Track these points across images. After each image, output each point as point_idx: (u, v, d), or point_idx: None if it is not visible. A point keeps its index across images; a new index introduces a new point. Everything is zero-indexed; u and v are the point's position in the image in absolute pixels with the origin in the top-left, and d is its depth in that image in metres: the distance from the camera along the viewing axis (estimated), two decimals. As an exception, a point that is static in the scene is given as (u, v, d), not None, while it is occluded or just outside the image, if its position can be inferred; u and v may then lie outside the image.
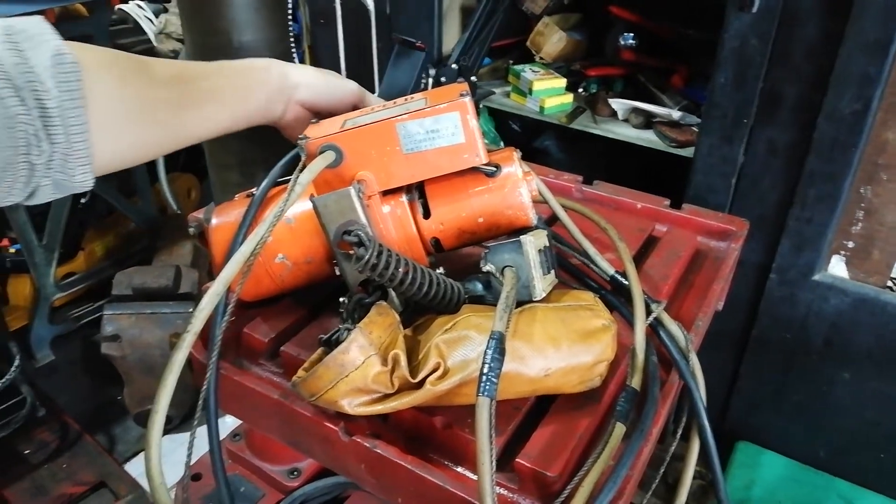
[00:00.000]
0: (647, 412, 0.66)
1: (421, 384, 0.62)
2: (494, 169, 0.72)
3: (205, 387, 0.65)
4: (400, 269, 0.65)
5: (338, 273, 0.71)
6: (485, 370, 0.58)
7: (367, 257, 0.63)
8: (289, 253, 0.74)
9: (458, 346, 0.63)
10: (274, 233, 0.67)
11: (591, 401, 0.69)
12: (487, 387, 0.58)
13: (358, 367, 0.61)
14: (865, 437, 1.56)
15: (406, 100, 0.75)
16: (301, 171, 0.67)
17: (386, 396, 0.63)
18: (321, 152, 0.68)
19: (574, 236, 0.84)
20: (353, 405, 0.62)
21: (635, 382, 0.68)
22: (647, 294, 0.78)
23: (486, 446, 0.55)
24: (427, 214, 0.73)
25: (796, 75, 1.35)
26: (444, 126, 0.68)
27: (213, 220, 0.77)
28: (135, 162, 0.69)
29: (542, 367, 0.64)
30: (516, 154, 0.74)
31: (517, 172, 0.73)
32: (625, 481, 0.60)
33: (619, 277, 0.79)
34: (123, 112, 0.64)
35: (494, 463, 0.56)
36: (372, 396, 0.62)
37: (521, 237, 0.68)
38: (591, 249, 0.83)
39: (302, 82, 0.83)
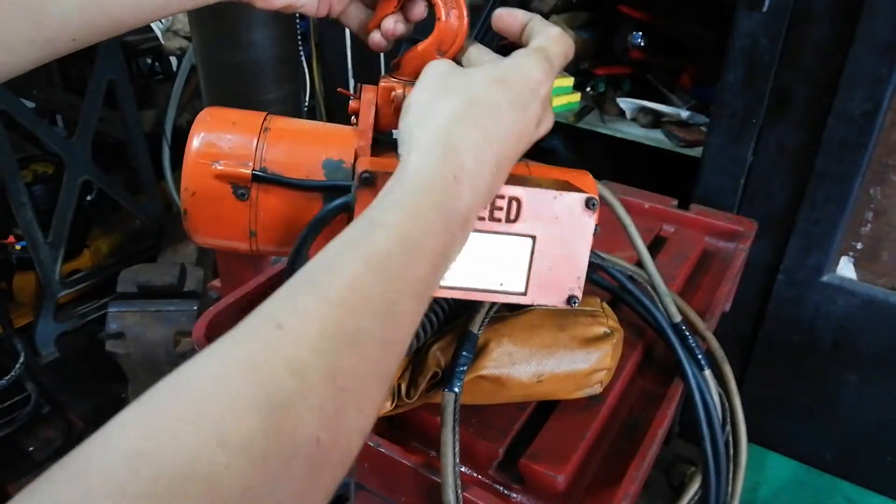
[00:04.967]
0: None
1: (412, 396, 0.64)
2: None
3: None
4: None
5: None
6: (454, 368, 0.61)
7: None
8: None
9: (451, 349, 0.64)
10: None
11: (596, 401, 0.68)
12: (454, 383, 0.61)
13: None
14: (872, 439, 1.55)
15: None
16: None
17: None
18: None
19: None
20: None
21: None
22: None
23: (449, 438, 0.58)
24: None
25: (806, 75, 1.34)
26: None
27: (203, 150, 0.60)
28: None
29: (535, 372, 0.64)
30: None
31: None
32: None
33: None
34: None
35: (458, 455, 0.59)
36: None
37: None
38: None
39: None
